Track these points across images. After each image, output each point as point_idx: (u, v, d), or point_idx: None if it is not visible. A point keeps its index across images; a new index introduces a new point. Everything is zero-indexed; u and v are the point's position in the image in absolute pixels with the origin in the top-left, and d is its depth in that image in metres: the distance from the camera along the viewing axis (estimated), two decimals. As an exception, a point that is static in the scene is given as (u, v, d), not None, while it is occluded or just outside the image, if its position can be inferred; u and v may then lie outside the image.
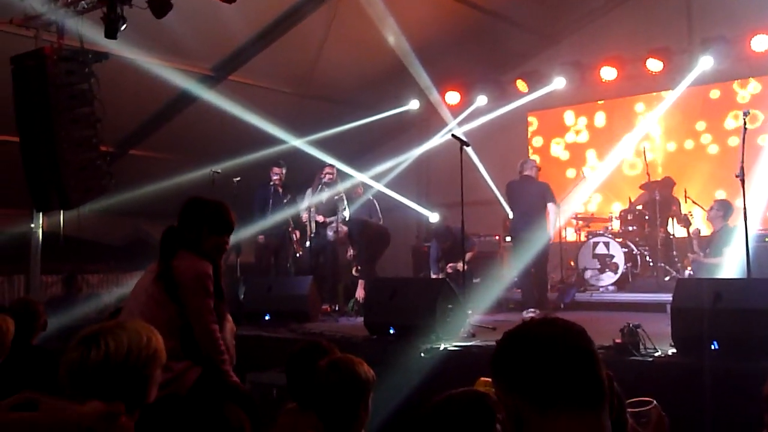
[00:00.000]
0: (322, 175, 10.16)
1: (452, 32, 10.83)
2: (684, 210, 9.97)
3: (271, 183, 10.04)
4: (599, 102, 12.16)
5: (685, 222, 9.50)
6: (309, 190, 10.25)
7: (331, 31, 9.97)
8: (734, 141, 10.64)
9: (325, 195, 10.05)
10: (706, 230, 9.63)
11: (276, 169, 10.17)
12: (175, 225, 4.04)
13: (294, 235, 10.35)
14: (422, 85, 11.29)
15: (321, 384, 2.96)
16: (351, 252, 10.09)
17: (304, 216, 10.09)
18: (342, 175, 10.87)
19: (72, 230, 8.95)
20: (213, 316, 3.86)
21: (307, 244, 10.12)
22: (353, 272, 9.93)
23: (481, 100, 12.24)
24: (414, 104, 12.53)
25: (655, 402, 2.75)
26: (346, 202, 10.09)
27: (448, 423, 2.22)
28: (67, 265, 10.33)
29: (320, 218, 10.07)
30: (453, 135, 7.78)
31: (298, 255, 10.40)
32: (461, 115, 12.19)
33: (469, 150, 7.99)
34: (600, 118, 12.24)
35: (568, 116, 12.55)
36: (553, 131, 12.72)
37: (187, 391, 3.70)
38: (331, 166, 10.31)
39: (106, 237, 10.63)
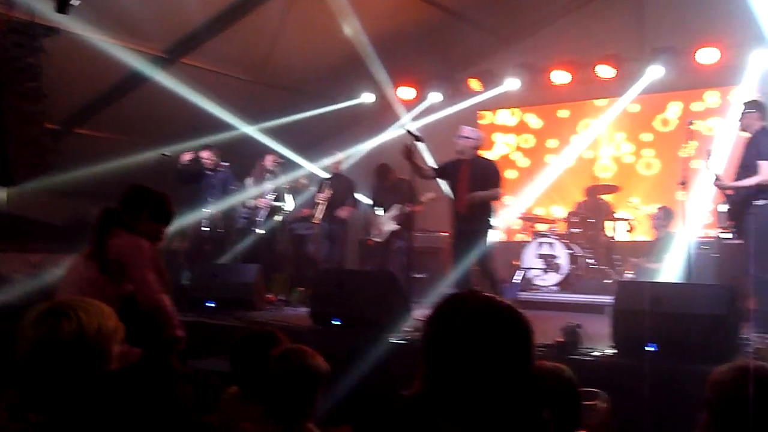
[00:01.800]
0: (266, 163, 10.13)
1: (410, 27, 10.84)
2: (630, 216, 10.22)
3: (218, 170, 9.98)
4: (551, 105, 12.30)
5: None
6: (250, 179, 10.20)
7: (288, 18, 9.89)
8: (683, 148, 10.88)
9: (269, 184, 10.03)
10: (646, 237, 9.87)
11: (206, 153, 10.13)
12: (114, 207, 4.03)
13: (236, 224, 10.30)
14: (377, 78, 11.29)
15: (272, 374, 2.94)
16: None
17: (251, 203, 10.05)
18: (291, 165, 10.85)
19: (15, 207, 8.77)
20: (158, 286, 3.85)
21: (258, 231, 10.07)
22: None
23: (435, 96, 12.32)
24: (368, 97, 12.53)
25: (600, 393, 2.82)
26: (290, 194, 10.11)
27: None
28: (9, 242, 10.09)
29: (263, 203, 10.03)
30: (407, 131, 7.80)
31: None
32: (414, 111, 12.25)
33: (421, 146, 7.96)
34: (551, 121, 12.40)
35: (520, 117, 12.68)
36: (505, 131, 12.84)
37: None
38: (275, 154, 10.30)
39: (50, 216, 10.40)
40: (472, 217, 7.71)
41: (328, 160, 10.33)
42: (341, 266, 10.05)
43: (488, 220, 7.83)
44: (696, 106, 11.07)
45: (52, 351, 2.01)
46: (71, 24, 7.82)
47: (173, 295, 8.22)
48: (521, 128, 12.72)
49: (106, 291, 3.77)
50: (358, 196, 11.16)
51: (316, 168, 11.05)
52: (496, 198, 7.91)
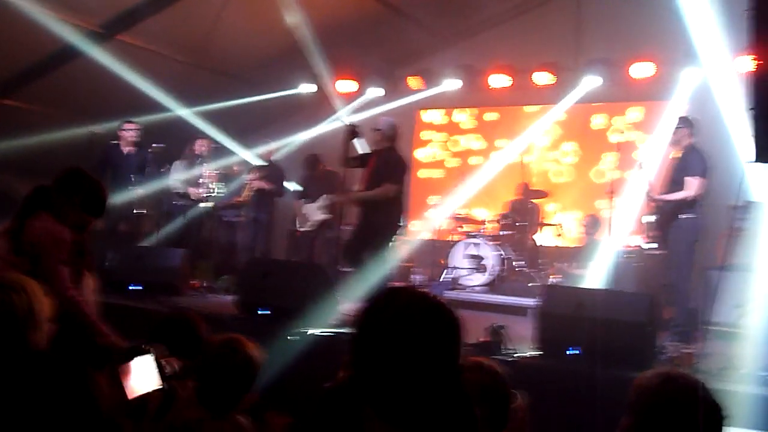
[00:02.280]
0: (196, 148, 9.98)
1: (353, 21, 10.83)
2: (555, 222, 10.44)
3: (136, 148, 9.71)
4: (487, 107, 12.44)
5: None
6: (177, 162, 10.00)
7: (231, 2, 9.77)
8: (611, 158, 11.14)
9: (198, 169, 9.88)
10: (572, 243, 10.08)
11: (128, 127, 9.69)
12: (47, 186, 3.89)
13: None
14: (316, 69, 11.24)
15: (211, 361, 2.89)
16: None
17: (179, 187, 9.87)
18: (224, 151, 10.71)
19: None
20: (67, 280, 3.72)
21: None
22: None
23: (373, 92, 12.35)
24: (306, 87, 12.46)
25: (519, 395, 2.86)
26: (221, 181, 9.99)
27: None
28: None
29: (193, 191, 9.86)
30: (347, 123, 7.73)
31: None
32: (352, 104, 12.24)
33: (358, 141, 7.85)
34: (484, 123, 12.54)
35: (457, 117, 12.79)
36: (443, 130, 12.93)
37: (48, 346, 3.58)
38: (207, 138, 10.15)
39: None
40: (366, 213, 7.62)
41: (261, 148, 10.22)
42: (267, 255, 9.96)
43: (390, 219, 7.55)
44: (620, 119, 11.33)
45: (4, 322, 2.09)
46: (3, -9, 7.57)
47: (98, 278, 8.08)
48: (454, 129, 12.82)
49: (18, 270, 3.66)
50: (289, 186, 11.10)
51: (250, 155, 10.92)
52: (385, 195, 7.40)
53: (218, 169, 10.09)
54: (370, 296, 1.68)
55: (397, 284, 1.73)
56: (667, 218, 7.16)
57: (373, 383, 1.58)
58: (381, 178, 7.41)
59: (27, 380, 1.63)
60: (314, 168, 10.62)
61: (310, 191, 10.49)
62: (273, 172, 10.42)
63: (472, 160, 12.45)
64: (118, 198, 9.53)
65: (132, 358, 1.97)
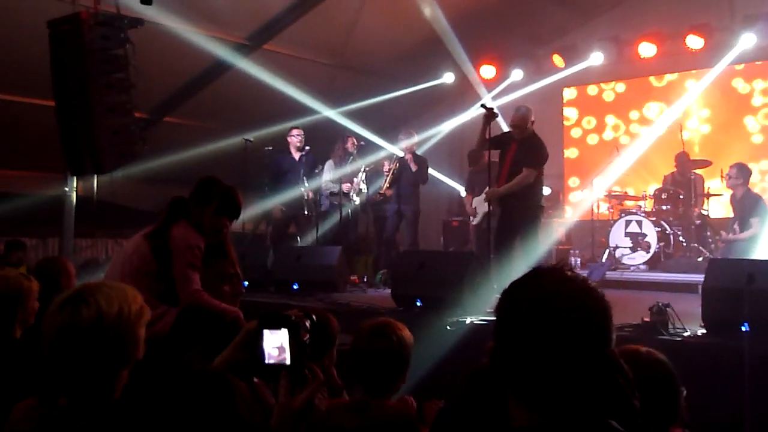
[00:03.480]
0: (347, 146, 10.11)
1: (488, 5, 10.68)
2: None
3: (303, 152, 10.02)
4: (637, 78, 11.95)
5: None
6: (330, 161, 10.20)
7: (366, 1, 9.89)
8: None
9: (350, 167, 10.02)
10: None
11: (296, 132, 10.03)
12: (185, 197, 4.12)
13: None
14: (457, 58, 11.19)
15: (364, 345, 2.93)
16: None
17: (333, 187, 10.06)
18: (373, 148, 10.83)
19: (105, 195, 9.07)
20: (193, 282, 3.90)
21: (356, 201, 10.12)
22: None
23: (517, 74, 12.13)
24: (449, 77, 12.43)
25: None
26: (364, 177, 10.08)
27: None
28: (101, 229, 10.48)
29: (347, 187, 10.03)
30: (482, 105, 7.67)
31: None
32: (496, 89, 12.09)
33: (501, 123, 7.81)
34: (638, 95, 12.05)
35: (606, 92, 12.36)
36: (589, 107, 12.55)
37: (169, 332, 3.77)
38: (354, 136, 10.27)
39: (139, 203, 10.72)
40: (504, 200, 7.64)
41: (404, 141, 10.20)
42: (416, 246, 9.93)
43: (529, 203, 7.61)
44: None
45: (72, 338, 1.97)
46: (155, 14, 8.00)
47: (258, 278, 8.40)
48: (602, 105, 12.39)
49: (151, 266, 3.90)
50: (439, 176, 11.06)
51: (396, 149, 11.01)
52: (527, 182, 7.50)
53: (368, 165, 10.21)
54: (515, 279, 1.63)
55: (544, 266, 1.65)
56: None
57: (512, 368, 1.54)
58: (522, 163, 7.50)
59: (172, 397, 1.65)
60: (477, 162, 10.47)
61: (474, 184, 10.38)
62: (416, 162, 10.33)
63: (624, 134, 11.99)
64: (290, 201, 9.93)
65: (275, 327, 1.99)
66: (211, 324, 3.74)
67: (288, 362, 1.94)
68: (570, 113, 12.70)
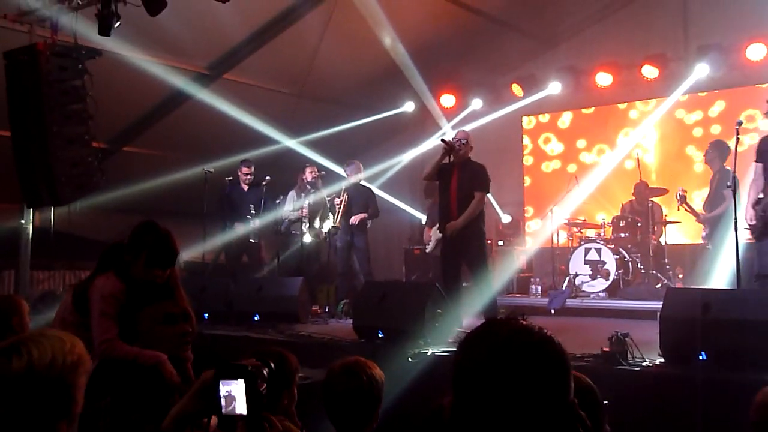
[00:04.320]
0: (305, 176, 10.14)
1: (448, 35, 10.81)
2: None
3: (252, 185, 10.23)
4: (593, 107, 12.13)
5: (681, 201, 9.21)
6: (292, 192, 10.23)
7: (327, 31, 9.93)
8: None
9: (312, 197, 10.03)
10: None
11: (246, 169, 10.36)
12: (121, 243, 4.05)
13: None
14: (417, 87, 11.27)
15: (336, 389, 2.94)
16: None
17: (294, 215, 10.07)
18: (334, 176, 10.83)
19: (63, 226, 8.94)
20: (109, 333, 3.82)
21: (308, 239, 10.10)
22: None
23: (476, 103, 12.25)
24: (409, 106, 12.52)
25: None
26: (329, 210, 10.09)
27: None
28: (58, 261, 10.31)
29: (304, 212, 10.03)
30: (442, 140, 7.74)
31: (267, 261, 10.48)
32: (456, 118, 12.18)
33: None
34: (595, 124, 12.22)
35: (563, 120, 12.53)
36: (547, 136, 12.69)
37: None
38: (313, 165, 10.31)
39: (98, 234, 10.57)
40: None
41: (353, 176, 10.22)
42: (370, 275, 9.94)
43: (478, 226, 7.72)
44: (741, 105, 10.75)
45: (2, 389, 1.91)
46: (113, 45, 7.94)
47: (219, 309, 8.34)
48: (561, 133, 12.54)
49: (74, 319, 3.92)
50: (401, 204, 11.08)
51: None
52: (482, 205, 7.71)
53: (329, 195, 10.21)
54: (469, 331, 1.63)
55: (499, 318, 1.65)
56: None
57: (472, 420, 1.53)
58: (470, 187, 7.59)
59: None
60: (432, 194, 10.55)
61: (434, 216, 10.41)
62: (359, 192, 10.35)
63: (583, 163, 12.14)
64: (240, 232, 10.03)
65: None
66: (127, 373, 3.65)
67: (245, 412, 1.93)
68: (528, 142, 12.82)
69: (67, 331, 3.58)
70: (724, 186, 7.80)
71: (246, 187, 10.36)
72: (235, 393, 1.95)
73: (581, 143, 12.31)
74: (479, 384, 1.51)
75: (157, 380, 3.54)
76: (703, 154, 9.21)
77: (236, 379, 1.95)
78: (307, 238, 10.04)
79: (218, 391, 1.96)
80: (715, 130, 10.89)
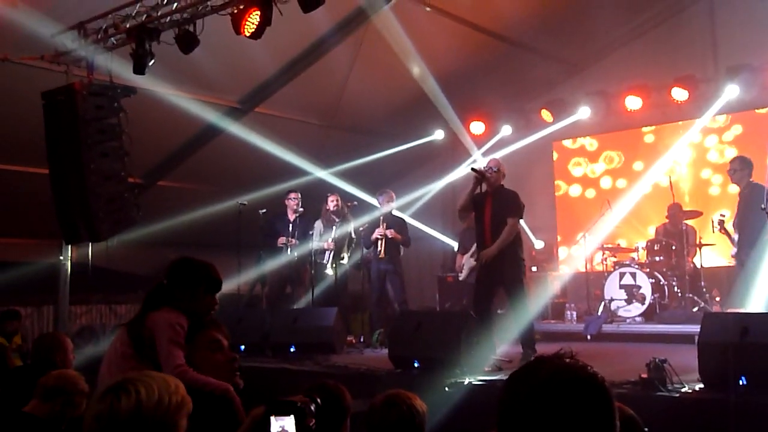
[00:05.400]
0: (327, 206, 10.19)
1: (476, 62, 10.88)
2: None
3: (297, 214, 10.15)
4: (624, 131, 12.09)
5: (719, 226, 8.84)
6: (318, 222, 10.28)
7: (356, 63, 10.06)
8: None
9: (340, 229, 10.09)
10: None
11: (294, 195, 10.28)
12: (164, 282, 4.05)
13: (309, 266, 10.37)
14: (446, 115, 11.32)
15: (377, 420, 2.96)
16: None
17: (319, 245, 10.11)
18: (365, 207, 10.87)
19: (100, 261, 9.08)
20: (176, 357, 3.83)
21: (329, 272, 10.13)
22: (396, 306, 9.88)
23: (506, 129, 12.26)
24: (439, 134, 12.58)
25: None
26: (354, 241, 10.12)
27: None
28: (96, 295, 10.46)
29: (328, 245, 10.12)
30: (472, 169, 7.76)
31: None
32: (486, 145, 12.20)
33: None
34: (625, 147, 12.18)
35: (592, 143, 12.50)
36: (578, 161, 12.67)
37: None
38: (335, 194, 10.34)
39: (135, 267, 10.73)
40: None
41: (381, 198, 10.26)
42: (405, 303, 9.93)
43: (515, 252, 7.63)
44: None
45: (110, 427, 1.96)
46: (147, 82, 8.11)
47: (255, 341, 8.38)
48: (593, 157, 12.51)
49: (133, 352, 3.84)
50: (432, 232, 11.07)
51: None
52: (516, 231, 7.66)
53: (361, 226, 10.26)
54: (517, 368, 1.64)
55: (544, 355, 1.64)
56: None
57: None
58: (503, 214, 7.56)
59: None
60: (465, 219, 10.54)
61: (465, 242, 10.43)
62: (394, 223, 10.37)
63: (616, 186, 12.09)
64: (282, 262, 10.09)
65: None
66: (198, 400, 3.68)
67: None
68: (559, 167, 12.80)
69: (128, 363, 3.63)
70: (756, 204, 7.68)
71: (293, 216, 10.21)
72: (287, 428, 1.99)
73: (612, 167, 12.27)
74: (522, 421, 1.52)
75: (225, 409, 3.57)
76: (728, 172, 8.88)
77: (287, 414, 2.00)
78: (329, 271, 10.08)
79: (270, 427, 2.00)
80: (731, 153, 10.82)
